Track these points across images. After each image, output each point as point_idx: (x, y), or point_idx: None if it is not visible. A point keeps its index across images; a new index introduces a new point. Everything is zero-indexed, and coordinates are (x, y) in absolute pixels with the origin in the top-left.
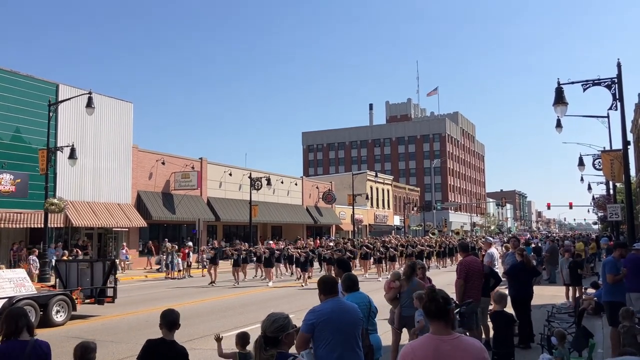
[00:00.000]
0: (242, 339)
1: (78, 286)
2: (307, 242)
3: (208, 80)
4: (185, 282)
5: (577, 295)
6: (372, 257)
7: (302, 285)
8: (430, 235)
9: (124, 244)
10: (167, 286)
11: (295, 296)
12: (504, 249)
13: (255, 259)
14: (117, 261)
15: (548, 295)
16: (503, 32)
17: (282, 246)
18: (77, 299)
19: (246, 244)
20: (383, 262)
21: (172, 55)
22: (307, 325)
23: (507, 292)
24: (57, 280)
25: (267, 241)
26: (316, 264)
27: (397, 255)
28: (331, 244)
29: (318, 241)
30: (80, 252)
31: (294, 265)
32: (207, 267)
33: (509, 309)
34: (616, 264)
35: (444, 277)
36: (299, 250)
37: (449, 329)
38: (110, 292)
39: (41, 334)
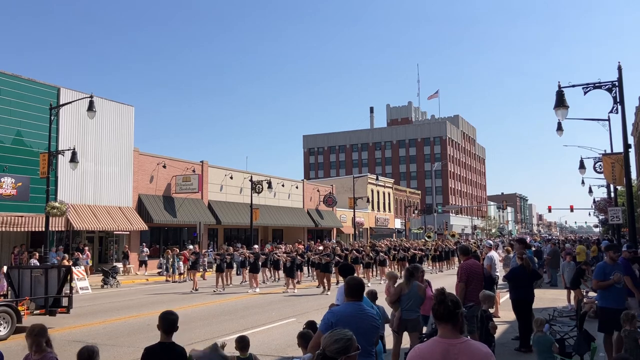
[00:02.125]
0: (241, 342)
1: (32, 295)
2: (296, 245)
3: (208, 84)
4: (186, 286)
5: (579, 298)
6: (362, 262)
7: (287, 292)
8: (426, 238)
9: (86, 248)
10: (166, 290)
11: (298, 299)
12: (505, 251)
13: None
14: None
15: (549, 298)
16: (504, 34)
17: (268, 250)
18: (25, 309)
19: (231, 247)
20: (372, 267)
21: (173, 58)
22: (327, 325)
23: (507, 295)
24: (9, 288)
25: (267, 245)
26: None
27: (387, 259)
28: (320, 247)
29: (301, 245)
30: (80, 255)
31: (280, 271)
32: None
33: (510, 312)
34: (605, 268)
35: (442, 281)
36: (285, 255)
37: (457, 333)
38: (65, 302)
39: None
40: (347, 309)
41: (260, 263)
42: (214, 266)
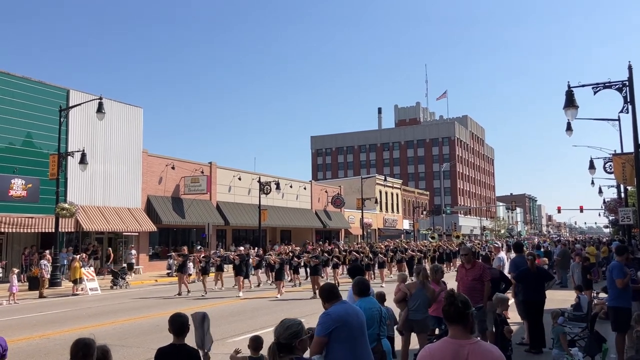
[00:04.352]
0: (255, 342)
1: None
2: (292, 247)
3: (217, 85)
4: (195, 287)
5: (589, 299)
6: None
7: (277, 296)
8: (430, 239)
9: (47, 251)
10: (174, 291)
11: (308, 301)
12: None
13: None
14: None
15: (559, 299)
16: (512, 34)
17: (262, 252)
18: None
19: (221, 249)
20: (371, 268)
21: (181, 60)
22: (325, 328)
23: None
24: None
25: (275, 246)
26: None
27: (386, 261)
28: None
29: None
30: (86, 256)
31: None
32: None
33: (515, 312)
34: (622, 268)
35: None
36: (273, 257)
37: (467, 334)
38: None
39: (53, 337)
40: (340, 310)
41: (251, 266)
42: (200, 268)
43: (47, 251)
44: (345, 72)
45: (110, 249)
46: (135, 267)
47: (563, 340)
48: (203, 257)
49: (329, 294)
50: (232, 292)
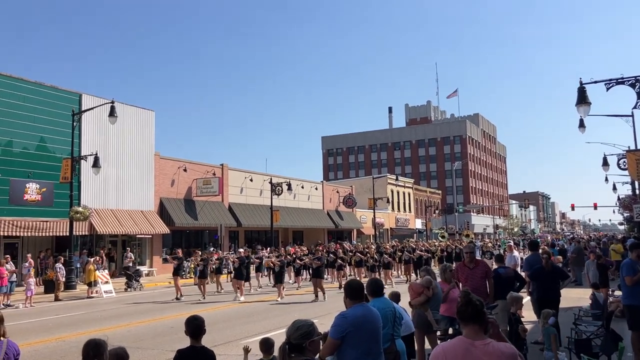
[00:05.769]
0: (266, 344)
1: None
2: (293, 248)
3: (228, 87)
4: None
5: (605, 297)
6: (366, 264)
7: (278, 300)
8: (440, 238)
9: (29, 255)
10: (186, 293)
11: (313, 303)
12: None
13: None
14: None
15: (574, 297)
16: (521, 31)
17: (261, 254)
18: None
19: (220, 251)
20: (377, 269)
21: (192, 62)
22: (339, 330)
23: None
24: None
25: (287, 247)
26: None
27: (392, 262)
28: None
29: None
30: (99, 259)
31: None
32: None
33: (530, 311)
34: (634, 265)
35: None
36: (272, 259)
37: (481, 334)
38: None
39: (69, 340)
40: (358, 312)
41: (250, 268)
42: (198, 272)
43: (29, 255)
44: (356, 72)
45: (102, 251)
46: (134, 270)
47: (553, 342)
48: (201, 260)
49: (354, 292)
50: (232, 295)
